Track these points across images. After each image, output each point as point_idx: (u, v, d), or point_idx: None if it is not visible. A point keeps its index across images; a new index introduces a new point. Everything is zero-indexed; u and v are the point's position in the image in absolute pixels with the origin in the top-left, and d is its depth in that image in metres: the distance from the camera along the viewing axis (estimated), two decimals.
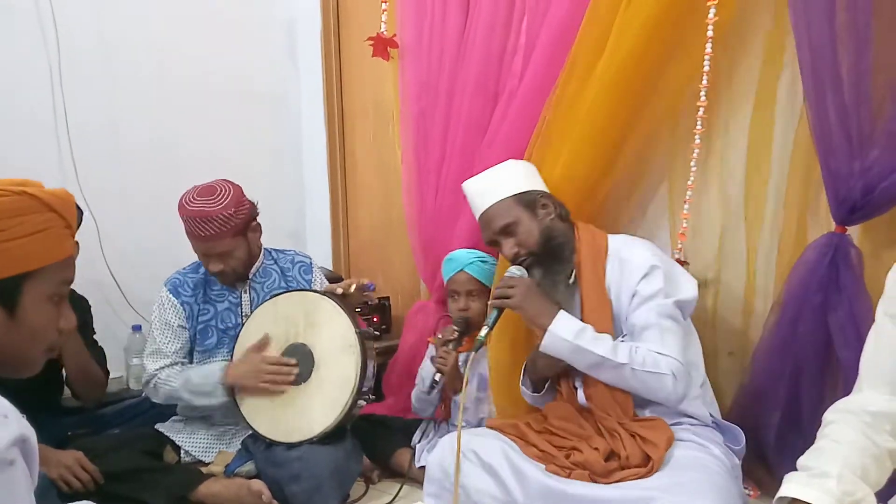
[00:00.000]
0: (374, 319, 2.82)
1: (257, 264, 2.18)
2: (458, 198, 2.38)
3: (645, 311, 1.67)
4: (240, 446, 2.10)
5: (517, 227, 1.78)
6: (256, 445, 2.04)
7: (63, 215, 1.00)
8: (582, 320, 1.69)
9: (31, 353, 0.99)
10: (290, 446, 1.95)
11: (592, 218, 2.03)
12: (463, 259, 2.19)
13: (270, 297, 2.09)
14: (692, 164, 2.02)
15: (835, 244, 1.75)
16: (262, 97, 3.12)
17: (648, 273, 1.69)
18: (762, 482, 1.90)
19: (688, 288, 1.72)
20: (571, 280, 1.78)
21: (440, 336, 2.17)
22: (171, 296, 2.13)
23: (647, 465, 1.53)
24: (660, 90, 2.00)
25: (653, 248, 1.78)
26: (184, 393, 2.06)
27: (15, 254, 0.93)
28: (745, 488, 1.77)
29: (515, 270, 1.77)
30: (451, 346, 2.10)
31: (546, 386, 1.85)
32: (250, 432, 2.06)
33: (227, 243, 2.02)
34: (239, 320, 2.15)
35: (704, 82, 1.95)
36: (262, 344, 2.04)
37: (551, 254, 1.78)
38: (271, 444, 1.99)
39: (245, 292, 2.17)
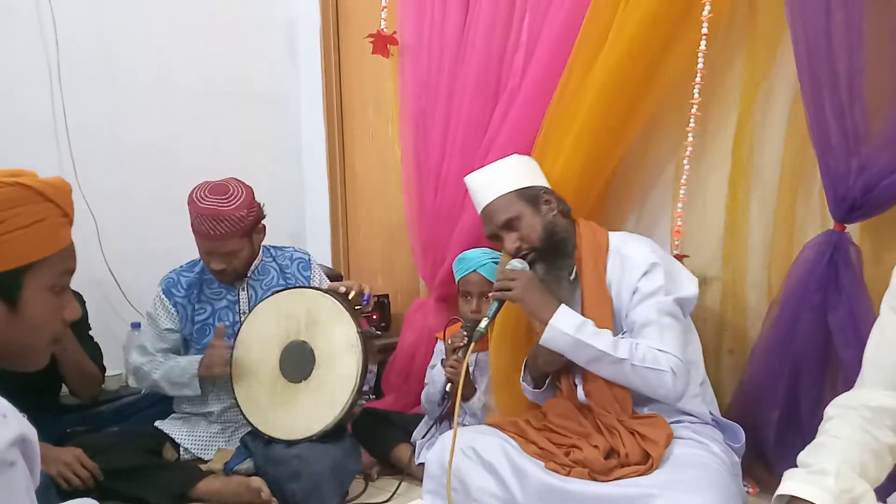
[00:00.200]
0: (374, 317, 2.82)
1: (256, 262, 2.18)
2: (459, 197, 2.40)
3: (645, 307, 1.67)
4: (239, 444, 2.10)
5: (519, 222, 1.78)
6: (256, 443, 2.04)
7: (59, 204, 0.98)
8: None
9: (36, 345, 0.98)
10: (290, 444, 1.95)
11: (591, 215, 2.03)
12: (476, 260, 2.16)
13: (272, 294, 2.10)
14: (685, 162, 2.02)
15: (834, 242, 1.75)
16: (262, 97, 3.12)
17: (649, 270, 1.69)
18: (761, 480, 1.90)
19: (688, 285, 1.73)
20: (572, 276, 1.78)
21: (450, 341, 2.13)
22: (163, 297, 2.15)
23: (647, 462, 1.53)
24: (656, 86, 2.00)
25: (653, 245, 1.79)
26: (163, 384, 2.10)
27: (12, 247, 0.91)
28: (745, 486, 1.77)
29: (517, 263, 1.76)
30: (461, 353, 2.06)
31: (547, 382, 1.85)
32: (249, 430, 2.07)
33: (234, 244, 2.03)
34: (237, 318, 2.15)
35: (698, 79, 1.95)
36: (219, 333, 2.06)
37: (553, 249, 1.78)
38: (271, 441, 1.99)
39: (243, 290, 2.18)
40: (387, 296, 2.94)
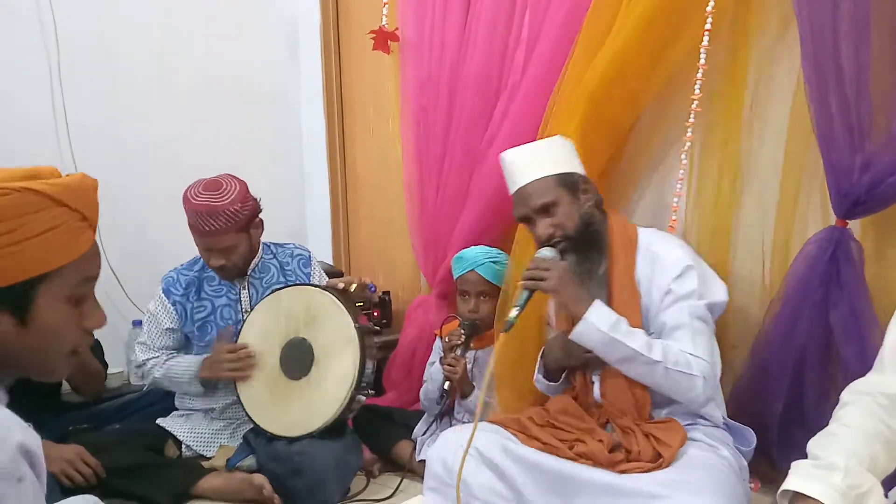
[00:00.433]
0: (375, 314, 2.82)
1: (256, 260, 2.18)
2: (460, 193, 2.40)
3: (677, 310, 1.64)
4: (241, 441, 2.11)
5: (557, 208, 1.71)
6: (258, 440, 2.04)
7: (76, 208, 0.89)
8: None
9: (52, 358, 0.90)
10: (291, 440, 1.96)
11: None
12: (474, 258, 2.15)
13: (272, 292, 2.10)
14: (683, 157, 2.02)
15: (836, 238, 1.74)
16: (262, 95, 3.12)
17: (683, 273, 1.66)
18: (764, 475, 1.89)
19: (719, 291, 1.69)
20: (602, 271, 1.74)
21: (447, 339, 2.13)
22: (163, 296, 2.16)
23: (657, 461, 1.53)
24: (656, 82, 2.00)
25: (685, 246, 1.76)
26: (165, 382, 2.13)
27: (23, 257, 0.84)
28: (748, 482, 1.77)
29: (547, 252, 1.69)
30: (459, 351, 2.07)
31: (562, 376, 1.82)
32: (251, 426, 2.08)
33: (230, 238, 2.03)
34: (238, 316, 2.15)
35: (699, 75, 1.94)
36: (225, 335, 2.07)
37: (588, 241, 1.72)
38: (272, 437, 2.00)
39: (244, 288, 2.18)
40: (388, 293, 2.94)
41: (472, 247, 2.23)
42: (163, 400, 2.22)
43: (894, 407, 1.16)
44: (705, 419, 1.68)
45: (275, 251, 2.25)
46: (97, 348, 2.20)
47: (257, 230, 2.14)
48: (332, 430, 1.97)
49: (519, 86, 2.22)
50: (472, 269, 2.14)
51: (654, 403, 1.67)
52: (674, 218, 2.05)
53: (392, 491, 2.01)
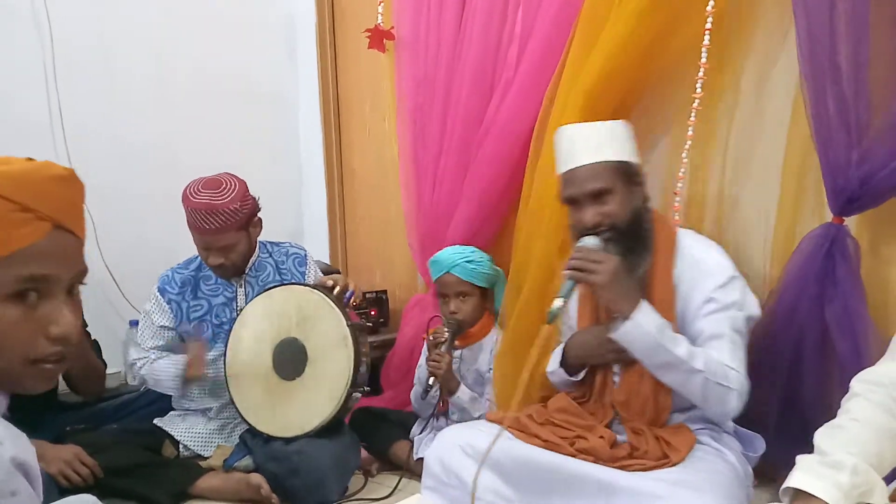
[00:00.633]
0: (372, 313, 2.83)
1: (253, 258, 2.18)
2: (456, 191, 2.40)
3: (718, 319, 1.59)
4: (238, 440, 2.11)
5: (610, 197, 1.62)
6: (255, 440, 2.04)
7: (11, 198, 0.77)
8: None
9: (8, 370, 0.80)
10: (288, 441, 1.96)
11: None
12: (448, 260, 2.16)
13: (264, 291, 2.10)
14: (683, 155, 2.01)
15: (832, 235, 1.75)
16: (260, 95, 3.12)
17: (728, 282, 1.62)
18: (760, 470, 1.89)
19: (754, 305, 1.65)
20: (642, 270, 1.66)
21: (431, 337, 2.14)
22: (158, 294, 2.16)
23: (663, 460, 1.53)
24: (655, 78, 2.00)
25: (726, 253, 1.70)
26: (149, 381, 2.13)
27: None
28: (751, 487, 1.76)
29: (591, 241, 1.60)
30: (443, 348, 2.08)
31: (583, 373, 1.77)
32: (248, 426, 2.07)
33: (230, 237, 2.03)
34: (234, 314, 2.15)
35: (701, 74, 1.94)
36: (196, 332, 2.08)
37: (634, 237, 1.64)
38: (270, 438, 2.00)
39: (240, 286, 2.18)
40: (385, 291, 2.94)
41: (446, 248, 2.24)
42: (160, 400, 2.22)
43: None
44: (715, 424, 1.67)
45: (271, 250, 2.25)
46: (95, 348, 2.19)
47: (256, 229, 2.15)
48: (330, 429, 1.97)
49: (512, 82, 2.22)
50: (448, 272, 2.16)
51: (673, 409, 1.65)
52: (676, 217, 2.05)
53: (391, 490, 2.01)
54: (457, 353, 2.18)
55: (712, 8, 1.88)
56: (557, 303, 1.53)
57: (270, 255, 2.24)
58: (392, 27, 2.61)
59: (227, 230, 2.02)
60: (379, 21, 2.63)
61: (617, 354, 1.65)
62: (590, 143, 1.66)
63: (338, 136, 3.17)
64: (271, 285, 2.12)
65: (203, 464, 2.03)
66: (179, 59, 2.82)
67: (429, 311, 2.55)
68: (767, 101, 1.94)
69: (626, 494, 1.46)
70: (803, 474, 1.10)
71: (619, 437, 1.64)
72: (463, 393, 2.12)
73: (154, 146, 2.73)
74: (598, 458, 1.54)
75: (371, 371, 2.08)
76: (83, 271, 0.84)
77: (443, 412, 2.21)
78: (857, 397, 1.19)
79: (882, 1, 1.63)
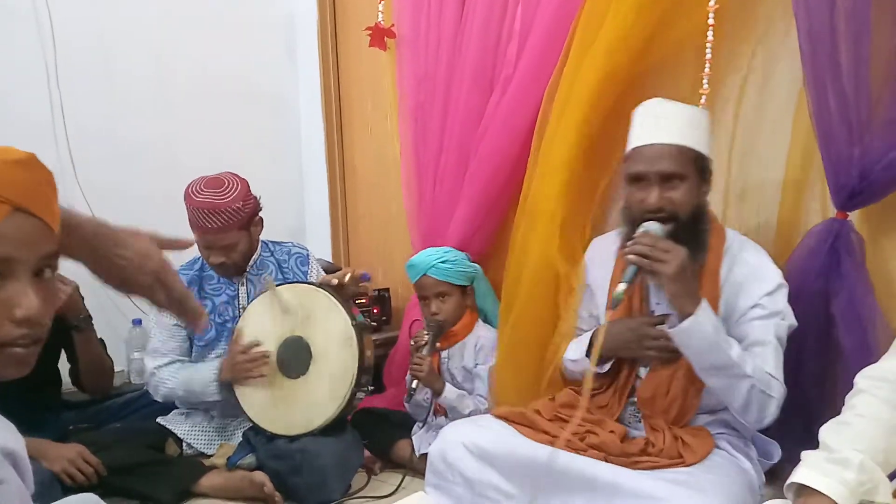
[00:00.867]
0: (375, 311, 2.83)
1: (255, 257, 2.19)
2: (457, 188, 2.40)
3: (764, 326, 1.57)
4: (241, 439, 2.11)
5: (680, 184, 1.56)
6: (258, 438, 2.04)
7: None
8: None
9: None
10: (292, 439, 1.96)
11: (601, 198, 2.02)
12: (424, 263, 2.18)
13: (267, 290, 2.09)
14: None
15: (836, 230, 1.74)
16: (261, 94, 3.12)
17: (777, 290, 1.59)
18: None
19: (792, 314, 1.62)
20: (695, 268, 1.59)
21: (413, 342, 2.16)
22: None
23: (677, 459, 1.52)
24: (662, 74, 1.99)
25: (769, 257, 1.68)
26: (180, 392, 2.09)
27: None
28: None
29: (656, 227, 1.54)
30: (424, 350, 2.10)
31: (608, 365, 1.72)
32: (252, 425, 2.07)
33: (232, 236, 2.04)
34: (236, 313, 2.16)
35: (707, 69, 1.93)
36: (237, 337, 2.05)
37: (693, 233, 1.59)
38: (273, 436, 2.00)
39: (242, 285, 2.18)
40: (387, 289, 2.94)
41: (421, 251, 2.26)
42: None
43: None
44: (735, 430, 1.66)
45: (272, 249, 2.25)
46: (101, 346, 2.19)
47: (257, 228, 2.15)
48: (333, 428, 1.97)
49: (511, 78, 2.22)
50: (425, 274, 2.18)
51: (699, 410, 1.63)
52: None
53: (394, 488, 2.01)
54: (444, 353, 2.21)
55: (715, 3, 1.87)
56: (620, 287, 1.48)
57: (272, 254, 2.24)
58: (392, 25, 2.61)
59: (229, 229, 2.02)
60: (379, 19, 2.63)
61: (657, 351, 1.62)
62: (674, 124, 1.59)
63: (339, 134, 3.17)
64: (281, 283, 2.12)
65: (206, 462, 2.03)
66: (180, 59, 2.82)
67: None
68: (770, 97, 1.93)
69: (628, 494, 1.45)
70: (809, 470, 1.10)
71: (633, 433, 1.63)
72: (450, 392, 2.13)
73: (155, 146, 2.74)
74: (608, 454, 1.53)
75: (374, 369, 2.08)
76: (50, 254, 0.82)
77: (442, 413, 2.21)
78: (862, 393, 1.18)
79: None
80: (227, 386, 2.06)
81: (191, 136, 2.84)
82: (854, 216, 1.77)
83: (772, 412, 1.54)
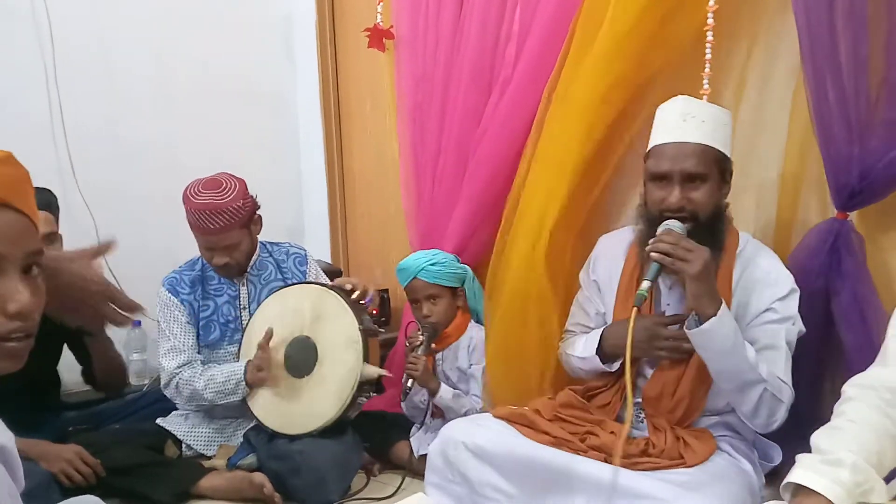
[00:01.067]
0: (374, 312, 2.82)
1: (254, 257, 2.19)
2: (455, 188, 2.40)
3: (776, 330, 1.57)
4: (241, 440, 2.10)
5: (702, 184, 1.55)
6: (258, 439, 2.04)
7: None
8: None
9: None
10: (292, 438, 1.96)
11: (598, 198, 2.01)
12: (413, 266, 2.19)
13: (279, 290, 2.12)
14: None
15: (836, 230, 1.75)
16: (260, 94, 3.12)
17: (789, 295, 1.59)
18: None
19: (801, 320, 1.62)
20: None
21: (407, 343, 2.17)
22: (170, 295, 2.14)
23: (677, 462, 1.52)
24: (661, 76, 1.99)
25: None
26: (207, 393, 2.06)
27: None
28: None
29: (679, 226, 1.53)
30: (419, 351, 2.10)
31: (618, 363, 1.70)
32: (251, 425, 2.08)
33: (233, 236, 2.04)
34: (238, 313, 2.16)
35: (707, 70, 1.93)
36: (267, 337, 2.04)
37: (713, 237, 1.57)
38: (273, 435, 2.00)
39: (243, 285, 2.19)
40: (386, 290, 2.94)
41: (410, 255, 2.27)
42: (163, 400, 2.21)
43: None
44: (738, 432, 1.66)
45: (271, 250, 2.25)
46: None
47: (256, 227, 2.16)
48: (333, 430, 1.97)
49: (510, 80, 2.22)
50: (415, 277, 2.18)
51: (704, 412, 1.63)
52: None
53: (394, 490, 2.00)
54: (437, 355, 2.22)
55: (714, 3, 1.88)
56: (645, 285, 1.48)
57: (271, 255, 2.24)
58: (391, 26, 2.61)
59: (230, 229, 2.02)
60: (378, 20, 2.63)
61: (669, 352, 1.61)
62: (700, 123, 1.58)
63: (338, 134, 3.17)
64: (281, 284, 2.14)
65: (206, 463, 2.03)
66: (179, 59, 2.82)
67: None
68: (769, 96, 1.93)
69: (628, 495, 1.45)
70: (804, 471, 1.10)
71: (634, 432, 1.63)
72: (445, 392, 2.14)
73: (154, 146, 2.74)
74: (609, 454, 1.52)
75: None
76: (37, 251, 0.83)
77: (439, 416, 2.21)
78: (850, 400, 1.19)
79: None
80: (250, 386, 2.07)
81: (190, 136, 2.84)
82: (853, 215, 1.77)
83: (780, 416, 1.54)
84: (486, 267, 2.37)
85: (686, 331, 1.53)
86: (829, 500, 1.05)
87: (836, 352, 1.77)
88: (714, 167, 1.58)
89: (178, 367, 2.09)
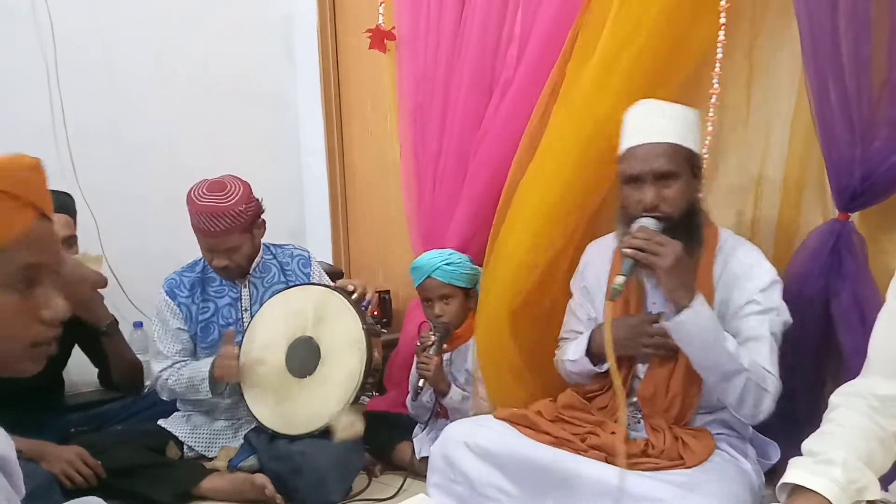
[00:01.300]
0: (375, 313, 2.82)
1: (257, 259, 2.19)
2: (456, 189, 2.40)
3: (759, 321, 1.58)
4: (243, 441, 2.11)
5: (674, 182, 1.59)
6: (259, 440, 2.05)
7: (6, 190, 0.79)
8: None
9: (6, 350, 0.82)
10: (293, 439, 1.96)
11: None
12: (428, 265, 2.19)
13: (283, 290, 2.12)
14: (704, 151, 2.00)
15: (837, 231, 1.75)
16: (261, 95, 3.12)
17: (771, 286, 1.60)
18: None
19: (787, 311, 1.62)
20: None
21: (419, 342, 2.17)
22: (167, 298, 2.16)
23: (677, 462, 1.52)
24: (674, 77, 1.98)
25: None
26: (179, 389, 2.10)
27: None
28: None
29: (651, 223, 1.56)
30: (431, 350, 2.10)
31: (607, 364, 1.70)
32: (253, 427, 2.08)
33: (235, 239, 2.04)
34: (239, 315, 2.16)
35: (717, 69, 1.93)
36: (227, 338, 2.05)
37: (687, 232, 1.60)
38: (275, 435, 2.00)
39: (245, 287, 2.19)
40: (388, 291, 2.94)
41: (424, 253, 2.26)
42: (164, 401, 2.22)
43: (885, 408, 1.16)
44: (735, 431, 1.66)
45: (274, 252, 2.26)
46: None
47: (259, 230, 2.16)
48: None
49: (511, 82, 2.22)
50: (429, 276, 2.18)
51: (698, 409, 1.63)
52: None
53: (396, 490, 2.01)
54: (446, 356, 2.21)
55: (726, 2, 1.87)
56: (619, 280, 1.50)
57: (274, 257, 2.24)
58: (393, 27, 2.61)
59: (232, 232, 2.02)
60: (380, 21, 2.63)
61: (654, 348, 1.63)
62: (666, 123, 1.62)
63: (339, 135, 3.17)
64: (292, 284, 2.15)
65: (208, 465, 2.03)
66: (180, 59, 2.82)
67: None
68: (773, 95, 1.93)
69: (628, 495, 1.45)
70: (799, 471, 1.12)
71: (632, 433, 1.63)
72: (455, 393, 2.14)
73: (155, 146, 2.74)
74: (610, 455, 1.53)
75: (380, 373, 2.09)
76: (62, 258, 0.88)
77: (443, 416, 2.21)
78: (839, 408, 1.21)
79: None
80: (217, 385, 2.07)
81: (191, 136, 2.84)
82: (854, 216, 1.77)
83: (767, 407, 1.55)
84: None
85: (663, 323, 1.56)
86: (827, 499, 1.07)
87: (837, 353, 1.77)
88: (685, 164, 1.61)
89: (161, 371, 2.13)
